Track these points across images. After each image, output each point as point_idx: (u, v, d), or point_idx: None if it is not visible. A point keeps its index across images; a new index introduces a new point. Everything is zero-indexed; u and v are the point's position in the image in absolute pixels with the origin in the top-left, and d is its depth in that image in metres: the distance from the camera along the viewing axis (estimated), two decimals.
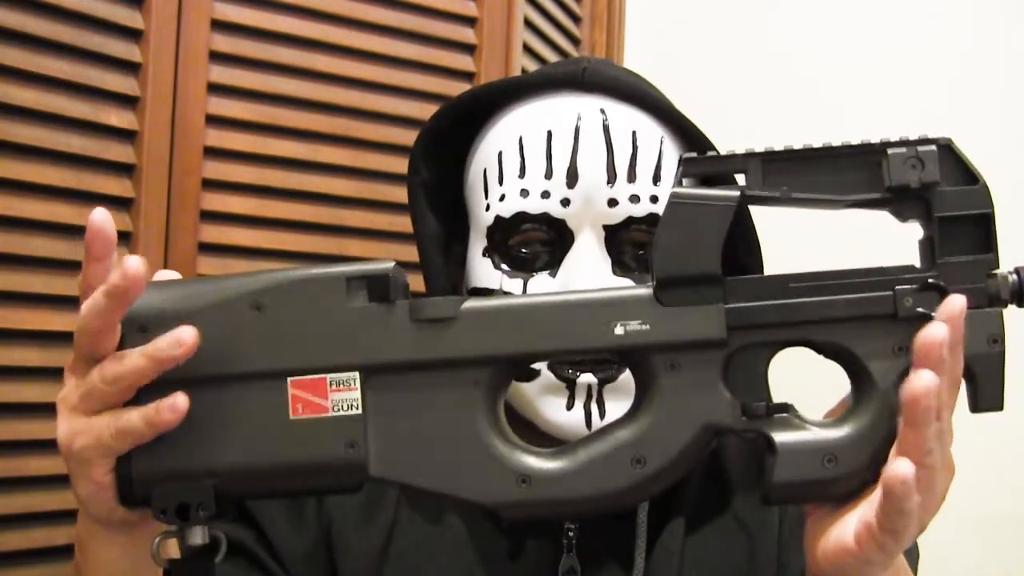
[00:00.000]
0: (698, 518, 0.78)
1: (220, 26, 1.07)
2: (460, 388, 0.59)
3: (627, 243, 0.76)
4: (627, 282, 0.75)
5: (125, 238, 1.00)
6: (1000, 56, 1.38)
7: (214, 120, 1.06)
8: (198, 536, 0.59)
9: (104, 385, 0.58)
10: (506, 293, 0.76)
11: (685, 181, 0.64)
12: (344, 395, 0.59)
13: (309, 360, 0.59)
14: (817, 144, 0.63)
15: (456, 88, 1.22)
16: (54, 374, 0.94)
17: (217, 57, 1.07)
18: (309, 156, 1.13)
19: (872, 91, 1.44)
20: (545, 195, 0.75)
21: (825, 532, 0.59)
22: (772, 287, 0.60)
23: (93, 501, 0.61)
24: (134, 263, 0.57)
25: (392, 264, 0.61)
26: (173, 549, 0.60)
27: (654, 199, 0.75)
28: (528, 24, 1.34)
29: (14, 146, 0.92)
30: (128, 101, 1.00)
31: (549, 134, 0.76)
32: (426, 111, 1.18)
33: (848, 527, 0.57)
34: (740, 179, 0.64)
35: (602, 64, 0.81)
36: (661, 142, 0.77)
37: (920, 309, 0.58)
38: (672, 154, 0.78)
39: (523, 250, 0.77)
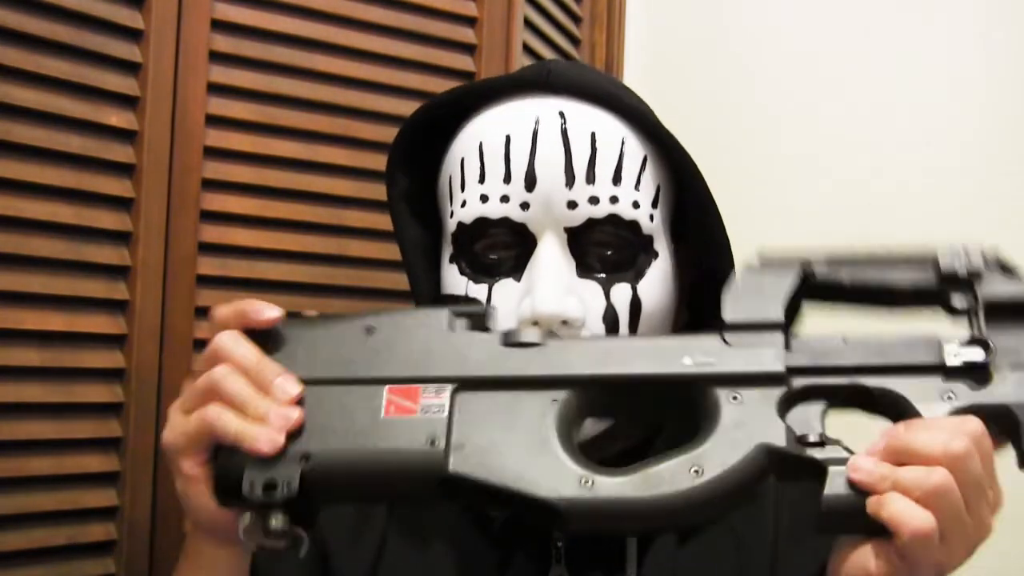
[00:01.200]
0: (690, 529, 0.78)
1: (220, 26, 1.07)
2: (539, 404, 0.63)
3: (591, 244, 0.76)
4: (592, 284, 0.75)
5: (125, 238, 1.00)
6: (990, 59, 1.38)
7: (214, 120, 1.06)
8: (280, 522, 0.61)
9: (207, 382, 0.64)
10: (471, 299, 0.77)
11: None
12: (433, 401, 0.63)
13: (407, 372, 0.65)
14: (876, 245, 0.69)
15: None
16: (54, 374, 0.95)
17: (217, 57, 1.06)
18: (309, 156, 1.13)
19: (877, 90, 1.44)
20: (504, 199, 0.75)
21: (851, 554, 0.60)
22: (829, 342, 0.65)
23: (186, 496, 0.65)
24: (270, 312, 0.66)
25: (492, 307, 0.70)
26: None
27: (614, 200, 0.75)
28: (528, 24, 1.34)
29: (14, 146, 0.92)
30: (128, 101, 1.00)
31: (507, 138, 0.76)
32: None
33: (870, 553, 0.59)
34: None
35: (571, 66, 0.82)
36: (622, 142, 0.77)
37: (964, 360, 0.62)
38: (634, 153, 0.77)
39: (488, 256, 0.77)
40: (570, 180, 0.75)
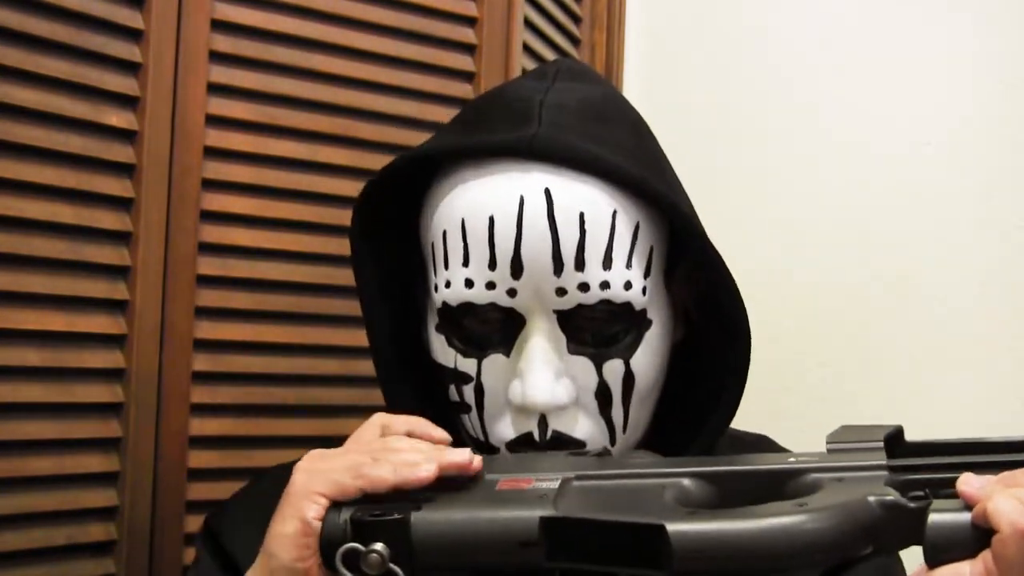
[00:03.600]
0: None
1: (220, 26, 1.07)
2: (648, 483, 0.65)
3: (582, 320, 0.74)
4: (583, 360, 0.74)
5: (125, 238, 1.00)
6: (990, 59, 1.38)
7: (214, 120, 1.06)
8: (378, 561, 0.63)
9: (370, 457, 0.66)
10: (461, 373, 0.76)
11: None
12: (544, 484, 0.65)
13: (524, 472, 0.68)
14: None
15: (456, 88, 1.22)
16: (54, 374, 0.95)
17: (217, 57, 1.06)
18: (309, 156, 1.13)
19: (877, 90, 1.44)
20: (490, 286, 0.73)
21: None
22: (927, 446, 0.64)
23: (288, 546, 0.64)
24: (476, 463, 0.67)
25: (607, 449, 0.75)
26: None
27: (604, 285, 0.73)
28: (528, 24, 1.34)
29: (14, 146, 0.92)
30: (128, 101, 1.00)
31: (491, 220, 0.73)
32: (426, 111, 1.18)
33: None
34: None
35: (556, 127, 0.75)
36: (613, 217, 0.74)
37: None
38: (626, 227, 0.74)
39: (476, 331, 0.75)
40: (558, 268, 0.72)
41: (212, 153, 1.06)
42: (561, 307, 0.73)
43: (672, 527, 0.58)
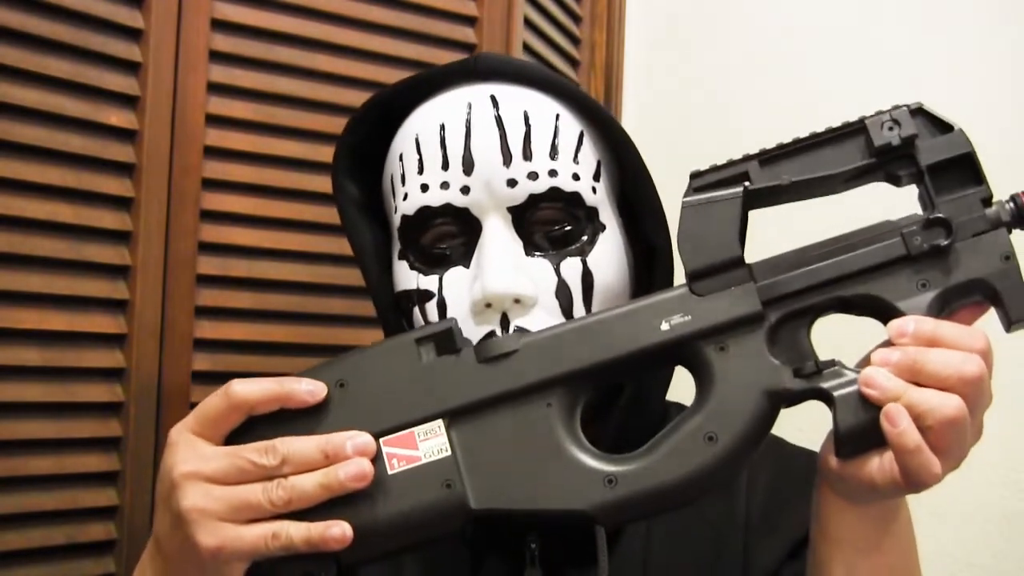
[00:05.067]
0: (661, 519, 0.77)
1: (220, 26, 1.07)
2: (535, 411, 0.63)
3: (536, 223, 0.75)
4: (541, 261, 0.75)
5: (125, 238, 1.00)
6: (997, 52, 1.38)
7: (214, 120, 1.06)
8: None
9: (271, 506, 0.61)
10: (423, 291, 0.76)
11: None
12: (432, 442, 0.63)
13: (395, 419, 0.64)
14: (803, 134, 0.68)
15: None
16: (54, 374, 0.95)
17: (217, 57, 1.07)
18: (309, 156, 1.13)
19: (881, 89, 1.44)
20: (444, 186, 0.75)
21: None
22: (793, 260, 0.65)
23: None
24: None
25: (453, 320, 0.67)
26: None
27: (552, 173, 0.75)
28: (528, 24, 1.34)
29: (14, 146, 0.92)
30: (128, 101, 1.00)
31: (442, 127, 0.76)
32: None
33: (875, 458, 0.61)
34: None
35: (499, 55, 0.83)
36: (557, 117, 0.77)
37: (929, 244, 0.62)
38: (569, 129, 0.77)
39: (436, 247, 0.76)
40: (507, 159, 0.74)
41: (212, 153, 1.06)
42: (513, 201, 0.75)
43: (594, 508, 0.61)
